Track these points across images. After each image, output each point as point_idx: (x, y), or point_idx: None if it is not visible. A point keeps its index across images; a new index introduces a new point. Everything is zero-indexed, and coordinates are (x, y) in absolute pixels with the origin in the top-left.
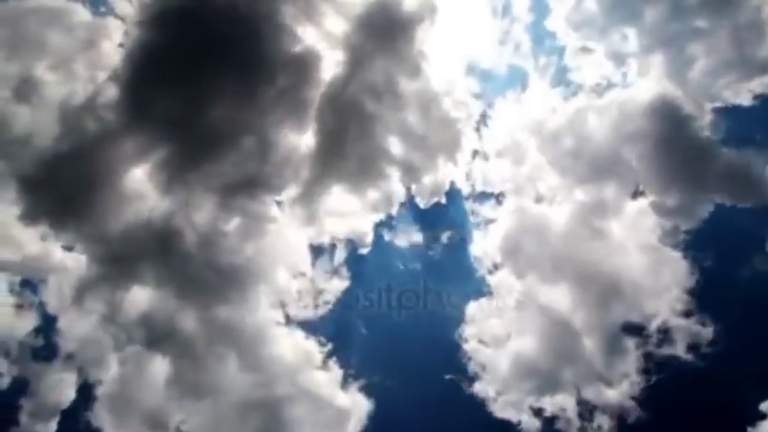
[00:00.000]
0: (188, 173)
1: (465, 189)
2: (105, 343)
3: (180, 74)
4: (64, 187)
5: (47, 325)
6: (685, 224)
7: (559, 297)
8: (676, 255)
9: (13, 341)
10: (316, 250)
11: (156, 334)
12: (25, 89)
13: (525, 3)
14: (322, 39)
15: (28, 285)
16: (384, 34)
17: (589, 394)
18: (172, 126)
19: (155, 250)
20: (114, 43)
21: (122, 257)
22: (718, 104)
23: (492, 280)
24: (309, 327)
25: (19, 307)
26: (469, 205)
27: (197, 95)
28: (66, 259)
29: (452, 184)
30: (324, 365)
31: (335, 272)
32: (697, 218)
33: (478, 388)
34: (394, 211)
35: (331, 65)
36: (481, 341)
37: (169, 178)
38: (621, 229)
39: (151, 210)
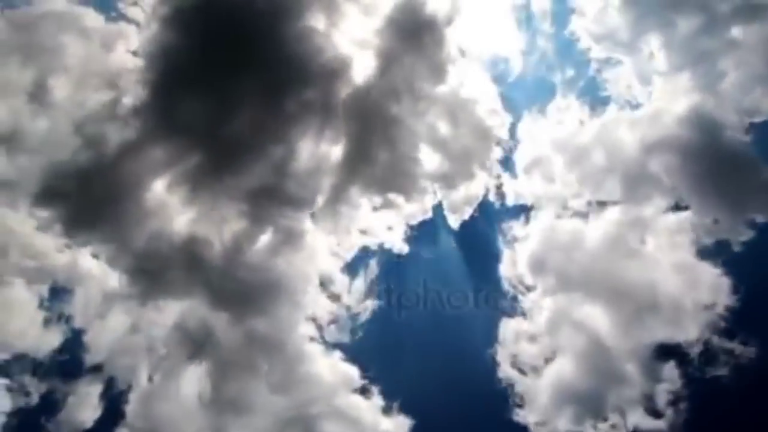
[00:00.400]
0: (214, 184)
1: (496, 203)
2: (133, 358)
3: (201, 81)
4: (82, 197)
5: (75, 338)
6: (726, 240)
7: (596, 317)
8: (716, 271)
9: (41, 356)
10: (349, 265)
11: (187, 349)
12: (40, 96)
13: (548, 15)
14: (351, 43)
15: (57, 295)
16: (412, 38)
17: (631, 419)
18: (195, 135)
19: (183, 263)
20: (127, 48)
21: (149, 270)
22: (756, 119)
23: (524, 299)
24: (344, 347)
25: (47, 321)
26: (500, 220)
27: (219, 103)
28: (94, 269)
29: (484, 196)
30: (363, 389)
31: (368, 288)
32: (739, 235)
33: (519, 414)
34: (425, 224)
35: (359, 70)
36: (515, 365)
37: (193, 188)
38: (657, 246)
39: (177, 222)
